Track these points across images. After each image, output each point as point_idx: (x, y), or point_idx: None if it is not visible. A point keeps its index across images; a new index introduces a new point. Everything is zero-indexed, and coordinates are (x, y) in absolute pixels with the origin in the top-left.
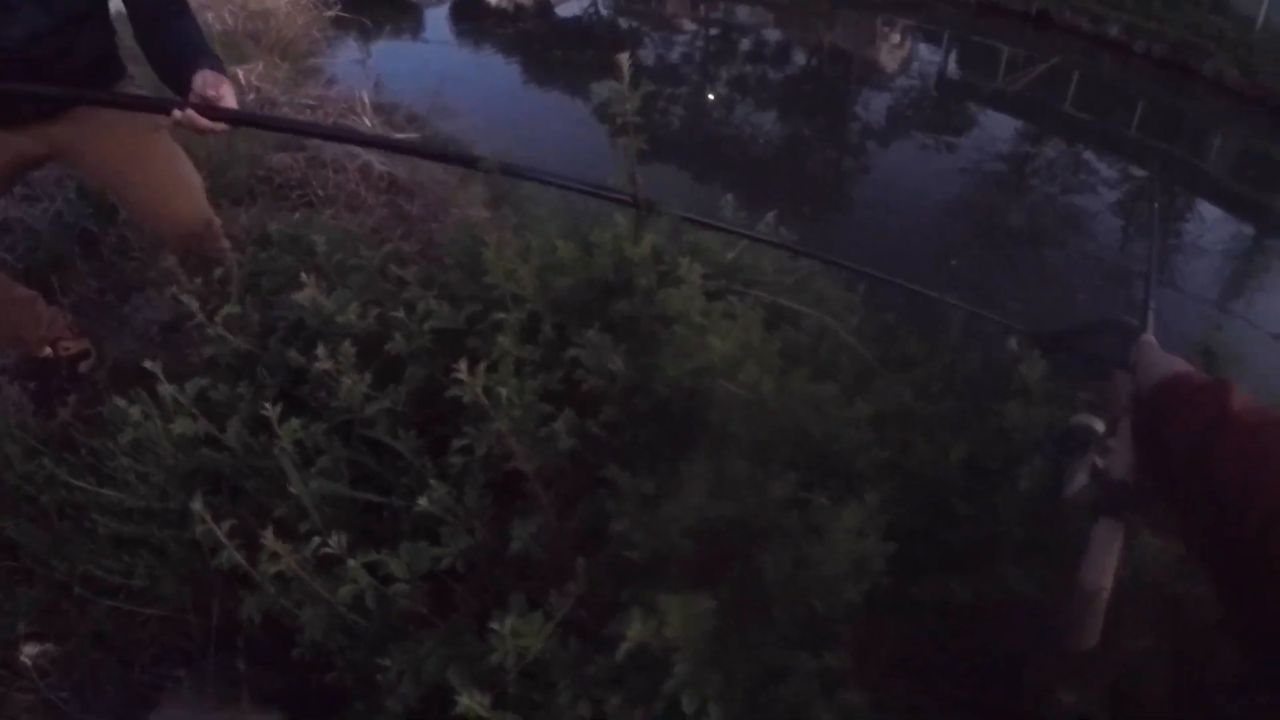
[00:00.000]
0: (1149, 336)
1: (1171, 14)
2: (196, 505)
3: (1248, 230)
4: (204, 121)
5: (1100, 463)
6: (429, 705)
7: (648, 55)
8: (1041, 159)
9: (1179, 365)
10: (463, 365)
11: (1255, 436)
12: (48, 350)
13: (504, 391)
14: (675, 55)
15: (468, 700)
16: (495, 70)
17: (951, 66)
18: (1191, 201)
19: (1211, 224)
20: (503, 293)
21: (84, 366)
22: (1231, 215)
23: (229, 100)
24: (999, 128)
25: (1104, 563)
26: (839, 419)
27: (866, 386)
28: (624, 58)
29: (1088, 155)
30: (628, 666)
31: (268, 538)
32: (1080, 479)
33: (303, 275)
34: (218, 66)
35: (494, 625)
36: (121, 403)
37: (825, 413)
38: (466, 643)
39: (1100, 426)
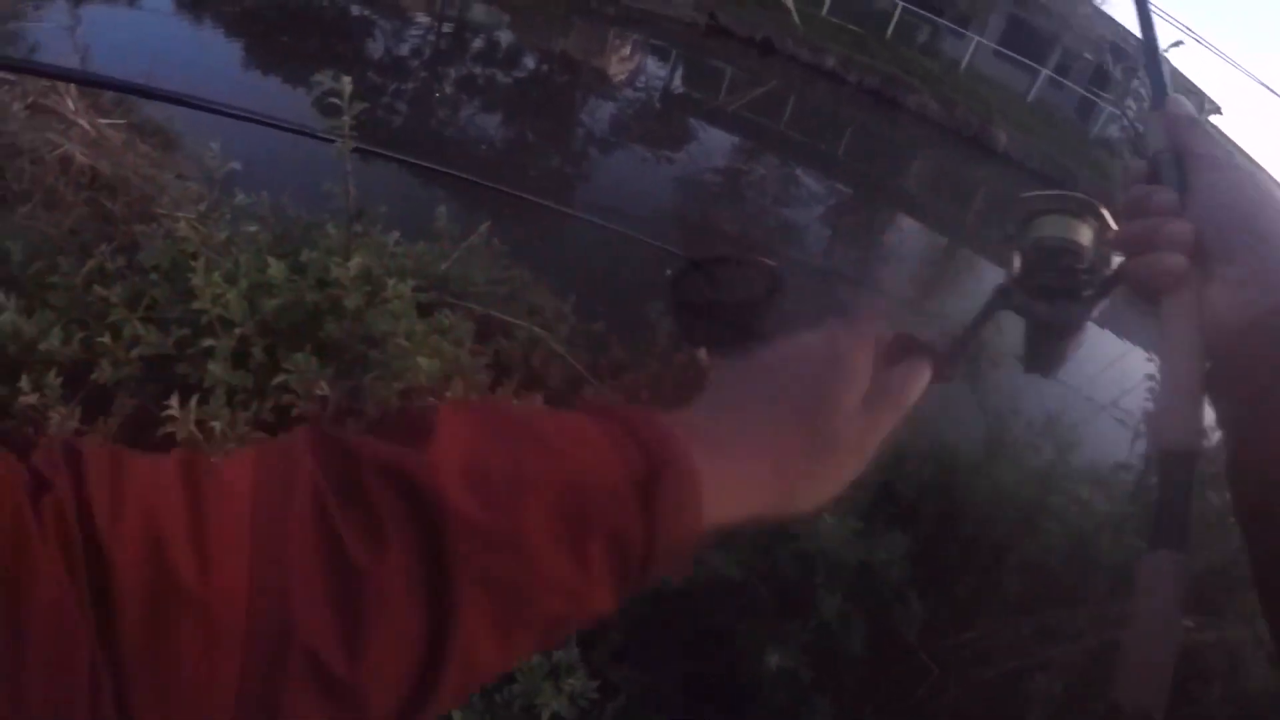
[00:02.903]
0: (1179, 97)
1: (885, 51)
2: None
3: (940, 240)
4: None
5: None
6: None
7: (376, 47)
8: (755, 173)
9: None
10: (174, 400)
11: None
12: None
13: (217, 425)
14: (404, 49)
15: None
16: (215, 51)
17: (677, 82)
18: (893, 215)
19: (909, 233)
20: (210, 316)
21: None
22: (925, 227)
23: None
24: (718, 142)
25: (1166, 623)
26: None
27: (577, 394)
28: (347, 81)
29: (798, 171)
30: None
31: None
32: (1080, 337)
33: (1, 297)
34: None
35: None
36: None
37: None
38: None
39: (1088, 239)
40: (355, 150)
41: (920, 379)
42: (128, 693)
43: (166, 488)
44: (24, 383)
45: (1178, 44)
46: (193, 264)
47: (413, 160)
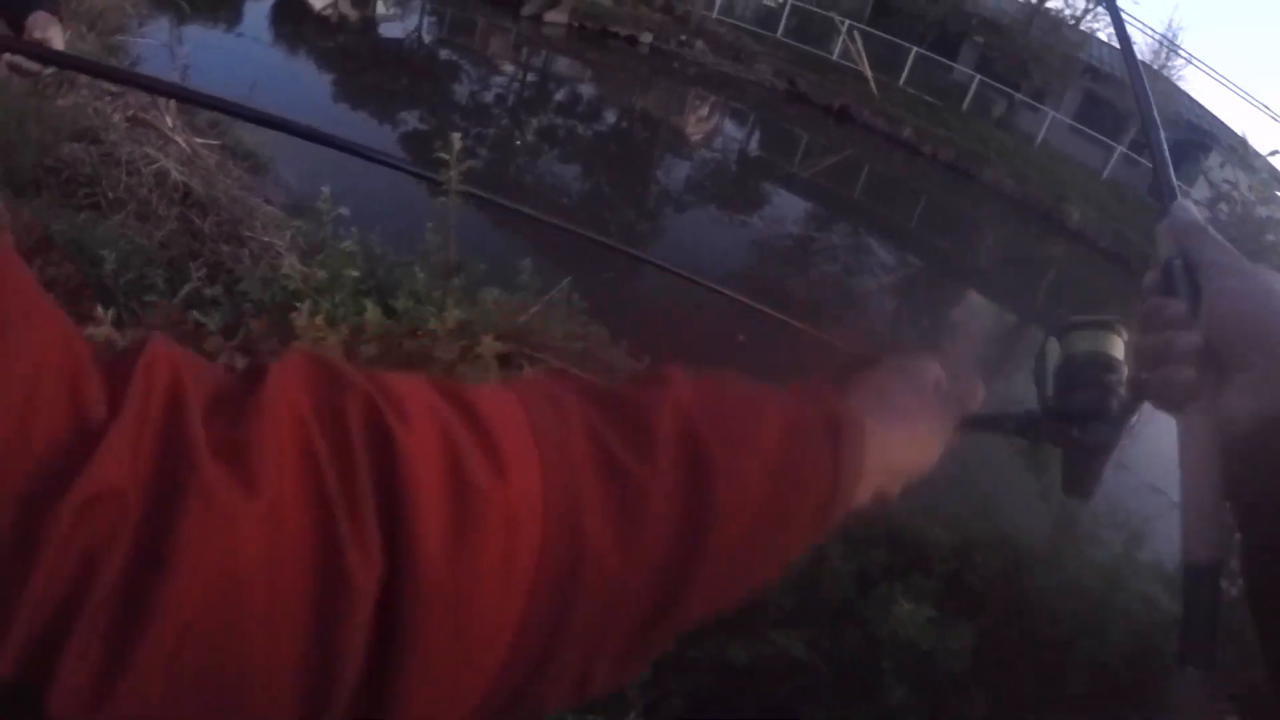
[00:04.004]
0: (1185, 202)
1: (960, 123)
2: None
3: (1009, 317)
4: (31, 65)
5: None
6: None
7: (461, 91)
8: (827, 240)
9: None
10: None
11: None
12: None
13: None
14: (489, 96)
15: None
16: (309, 82)
17: (753, 145)
18: (962, 290)
19: (977, 309)
20: None
21: None
22: (994, 303)
23: (56, 44)
24: (791, 207)
25: None
26: None
27: None
28: (456, 138)
29: (870, 240)
30: None
31: None
32: (1113, 450)
33: (99, 310)
34: (51, 7)
35: None
36: None
37: None
38: None
39: (1120, 352)
40: (462, 194)
41: (973, 394)
42: (416, 612)
43: (441, 404)
44: None
45: (1275, 153)
46: (297, 303)
47: (517, 207)
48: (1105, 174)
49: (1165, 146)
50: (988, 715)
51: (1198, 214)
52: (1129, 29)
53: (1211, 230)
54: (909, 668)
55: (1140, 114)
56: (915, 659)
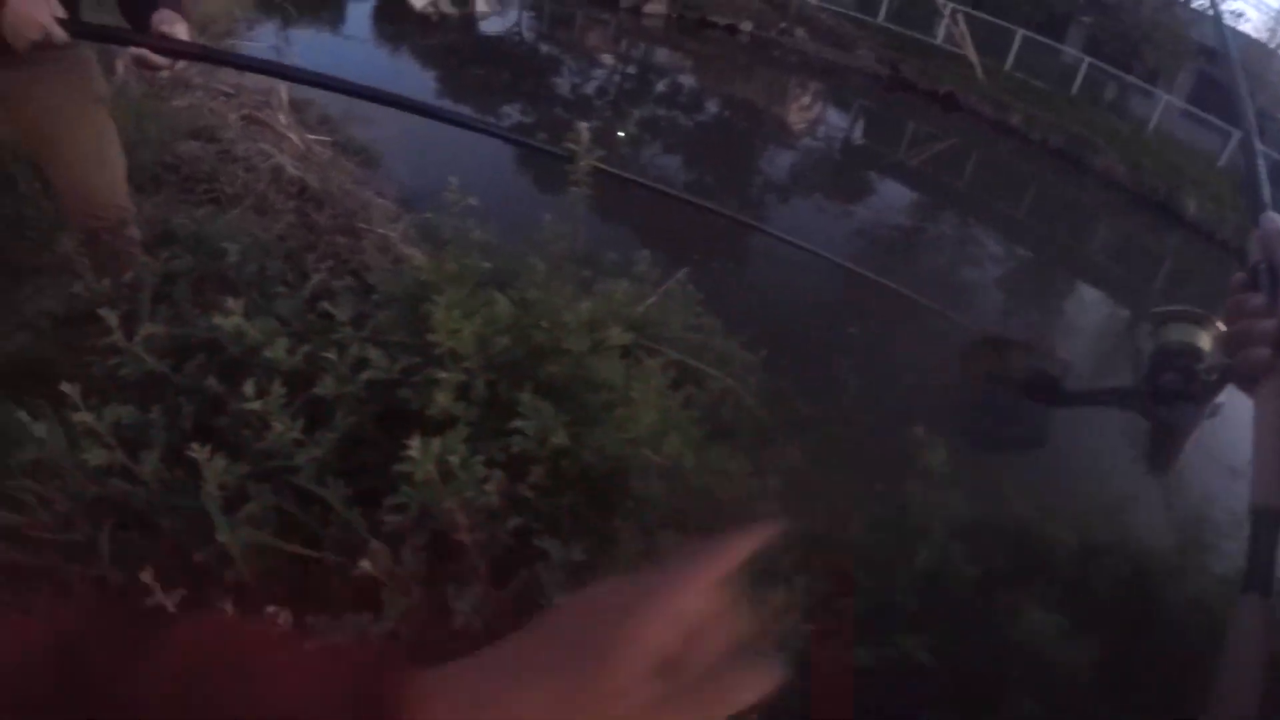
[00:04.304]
0: (1272, 214)
1: (1070, 109)
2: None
3: (1121, 312)
4: (158, 59)
5: (1218, 401)
6: None
7: (563, 84)
8: (933, 231)
9: None
10: (416, 441)
11: None
12: None
13: (454, 460)
14: (590, 88)
15: None
16: (413, 79)
17: (857, 133)
18: (1073, 283)
19: (1089, 303)
20: (443, 349)
21: None
22: (1107, 296)
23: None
24: (897, 196)
25: (1251, 673)
26: (750, 489)
27: (768, 452)
28: (583, 126)
29: (977, 231)
30: None
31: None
32: (1196, 433)
33: (230, 301)
34: (175, 4)
35: None
36: (25, 417)
37: (738, 484)
38: None
39: (1207, 344)
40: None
41: (763, 680)
42: None
43: None
44: (248, 388)
45: None
46: (435, 296)
47: (656, 186)
48: (1222, 161)
49: (1260, 164)
50: None
51: None
52: (1228, 32)
53: None
54: (1035, 678)
55: (1244, 133)
56: (1042, 669)
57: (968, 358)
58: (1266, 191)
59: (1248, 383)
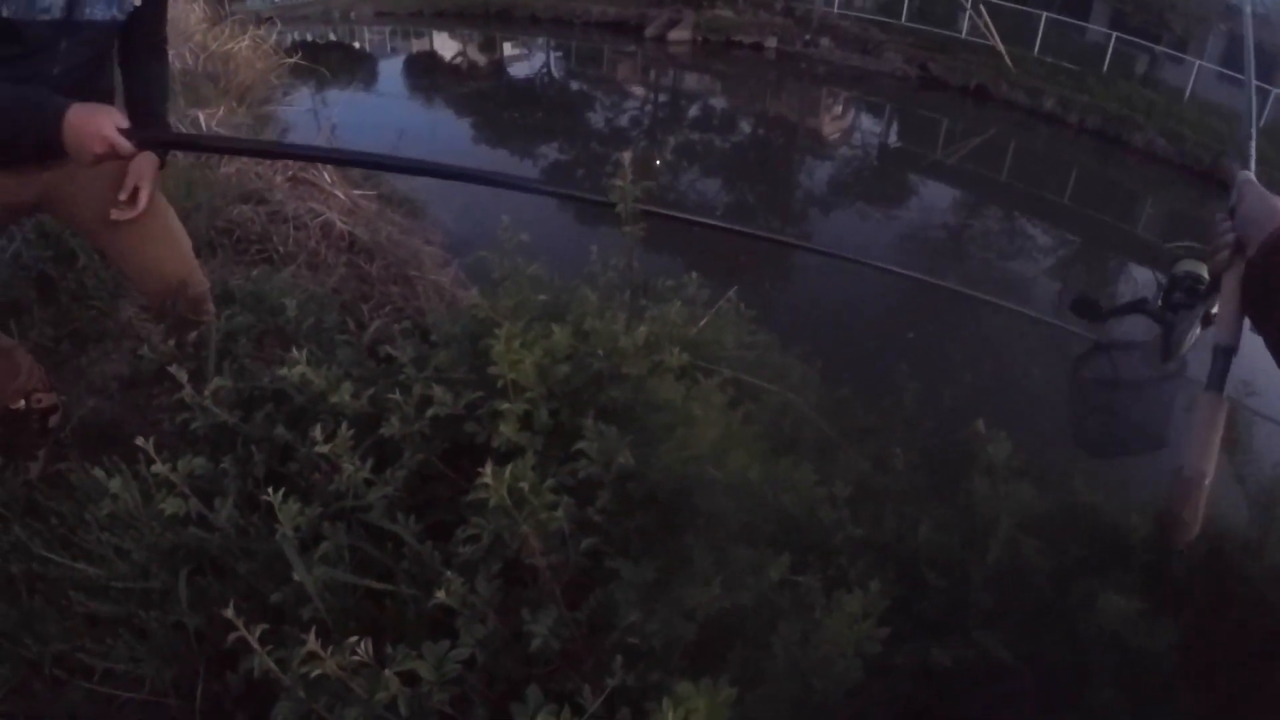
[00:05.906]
0: (1248, 174)
1: (1104, 87)
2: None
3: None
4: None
5: (1214, 309)
6: None
7: (597, 119)
8: (978, 227)
9: None
10: (488, 469)
11: None
12: (21, 402)
13: (525, 486)
14: (624, 119)
15: None
16: (448, 127)
17: (892, 137)
18: (1123, 264)
19: (1143, 286)
20: (505, 381)
21: (53, 421)
22: (1159, 277)
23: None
24: (939, 196)
25: (1206, 444)
26: (818, 500)
27: (832, 461)
28: (627, 156)
29: (1022, 223)
30: None
31: (310, 640)
32: (1193, 333)
33: (294, 351)
34: (161, 115)
35: None
36: (100, 474)
37: (804, 494)
38: None
39: (1205, 271)
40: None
41: None
42: None
43: None
44: (316, 433)
45: None
46: (494, 331)
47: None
48: (1263, 121)
49: (1255, 131)
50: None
51: (1253, 177)
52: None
53: (1256, 184)
54: (1115, 666)
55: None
56: (1122, 657)
57: (1079, 362)
58: (1254, 149)
59: (1220, 273)
